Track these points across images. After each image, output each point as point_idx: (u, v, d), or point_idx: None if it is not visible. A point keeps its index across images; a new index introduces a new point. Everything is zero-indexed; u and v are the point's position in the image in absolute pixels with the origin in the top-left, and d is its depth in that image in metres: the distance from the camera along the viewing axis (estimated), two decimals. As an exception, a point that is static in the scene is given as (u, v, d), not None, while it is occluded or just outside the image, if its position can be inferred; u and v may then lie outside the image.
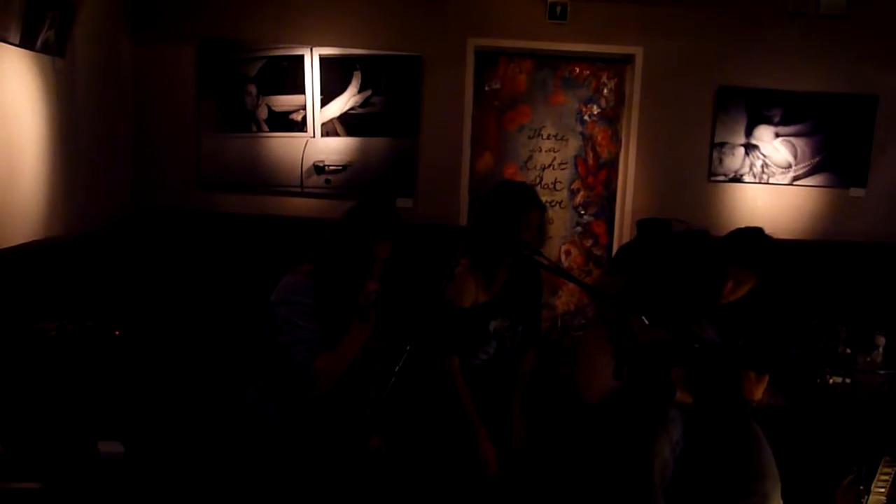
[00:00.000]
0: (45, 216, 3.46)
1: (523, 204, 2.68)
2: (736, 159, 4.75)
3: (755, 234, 2.79)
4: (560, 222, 4.84)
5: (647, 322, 2.46)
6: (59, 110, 3.57)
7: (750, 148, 4.74)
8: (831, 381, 3.30)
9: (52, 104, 3.51)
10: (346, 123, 4.60)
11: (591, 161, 4.87)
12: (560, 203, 4.85)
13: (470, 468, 2.60)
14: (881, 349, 3.54)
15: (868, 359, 3.51)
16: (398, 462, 2.56)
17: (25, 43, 3.19)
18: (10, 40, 3.08)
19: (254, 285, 2.43)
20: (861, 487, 2.78)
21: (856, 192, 4.80)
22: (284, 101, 4.58)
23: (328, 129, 4.60)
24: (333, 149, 4.62)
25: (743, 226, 2.89)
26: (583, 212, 4.91)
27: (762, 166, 4.76)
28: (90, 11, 3.80)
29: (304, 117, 4.58)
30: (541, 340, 2.98)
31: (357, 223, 2.31)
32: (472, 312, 2.70)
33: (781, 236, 2.84)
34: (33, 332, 2.94)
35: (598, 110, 4.83)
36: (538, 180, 4.82)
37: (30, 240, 3.29)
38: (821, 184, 4.79)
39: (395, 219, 2.35)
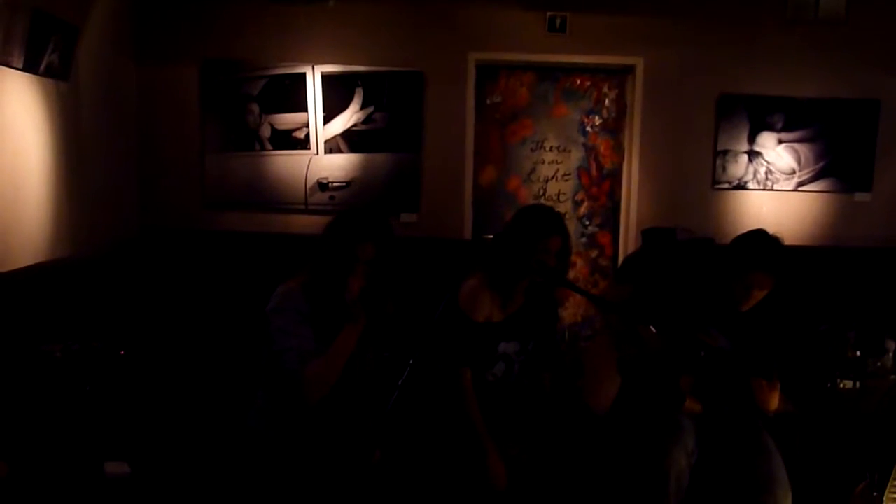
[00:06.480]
0: (50, 238, 3.48)
1: (544, 228, 2.68)
2: (739, 166, 4.74)
3: (768, 238, 2.73)
4: (565, 234, 4.82)
5: (654, 331, 2.45)
6: (64, 133, 3.59)
7: (753, 155, 4.73)
8: (841, 385, 3.27)
9: (57, 127, 3.53)
10: (349, 140, 4.62)
11: (594, 172, 4.86)
12: (564, 215, 4.79)
13: (478, 482, 2.58)
14: (891, 353, 3.51)
15: (878, 363, 3.47)
16: (404, 475, 2.54)
17: (29, 67, 3.22)
18: (14, 65, 3.11)
19: (260, 303, 2.42)
20: (875, 494, 2.75)
21: (860, 196, 4.78)
22: (287, 120, 4.60)
23: (331, 146, 4.62)
24: (337, 165, 4.63)
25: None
26: (587, 223, 4.90)
27: (766, 173, 4.75)
28: (93, 34, 3.84)
29: (307, 135, 4.60)
30: (555, 366, 2.95)
31: (338, 226, 2.34)
32: (484, 329, 2.68)
33: (787, 242, 2.80)
34: (40, 353, 2.95)
35: (600, 121, 4.83)
36: (542, 192, 4.82)
37: (36, 261, 3.30)
38: (825, 189, 4.78)
39: (376, 221, 2.35)
